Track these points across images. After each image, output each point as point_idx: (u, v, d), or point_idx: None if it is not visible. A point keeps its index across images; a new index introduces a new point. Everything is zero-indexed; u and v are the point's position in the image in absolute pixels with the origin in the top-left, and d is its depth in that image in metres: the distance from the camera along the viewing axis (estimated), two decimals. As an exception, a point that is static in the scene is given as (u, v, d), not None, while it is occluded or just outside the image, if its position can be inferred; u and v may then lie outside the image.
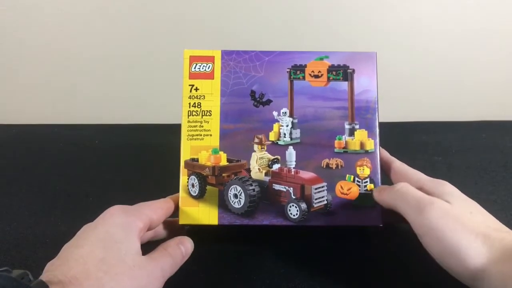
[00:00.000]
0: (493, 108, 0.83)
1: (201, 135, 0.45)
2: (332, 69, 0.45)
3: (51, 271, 0.31)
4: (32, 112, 0.84)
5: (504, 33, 0.79)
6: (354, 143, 0.44)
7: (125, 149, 0.69)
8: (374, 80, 0.45)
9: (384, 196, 0.40)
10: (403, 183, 0.39)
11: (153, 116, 0.82)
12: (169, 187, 0.45)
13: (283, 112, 0.45)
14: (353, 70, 0.45)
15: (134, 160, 0.66)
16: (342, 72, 0.45)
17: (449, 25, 0.79)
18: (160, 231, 0.43)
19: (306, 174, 0.43)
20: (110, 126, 0.78)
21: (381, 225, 0.42)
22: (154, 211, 0.39)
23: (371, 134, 0.44)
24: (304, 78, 0.45)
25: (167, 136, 0.72)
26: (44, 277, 0.31)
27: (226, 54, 0.46)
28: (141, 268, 0.34)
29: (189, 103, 0.45)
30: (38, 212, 0.52)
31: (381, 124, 0.45)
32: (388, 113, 0.60)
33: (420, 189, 0.39)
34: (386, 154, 0.45)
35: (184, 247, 0.39)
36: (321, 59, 0.46)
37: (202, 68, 0.46)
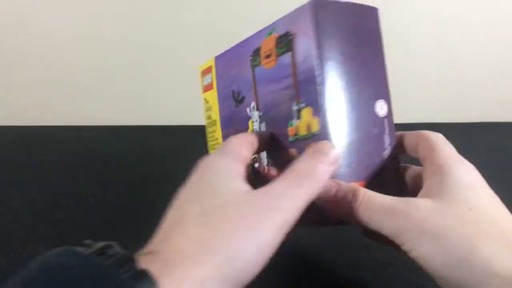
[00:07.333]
0: (494, 110, 0.84)
1: (215, 144, 0.48)
2: (278, 41, 0.37)
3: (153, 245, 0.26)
4: (32, 113, 0.86)
5: (506, 34, 0.80)
6: (302, 127, 0.35)
7: (126, 151, 0.70)
8: (312, 40, 0.33)
9: (340, 209, 0.31)
10: (362, 189, 0.30)
11: (154, 118, 0.82)
12: (171, 190, 0.44)
13: (252, 107, 0.41)
14: (294, 35, 0.36)
15: (136, 161, 0.66)
16: (286, 42, 0.37)
17: (450, 25, 0.79)
18: None
19: (274, 171, 0.39)
20: (112, 128, 0.79)
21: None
22: (247, 149, 0.33)
23: (316, 111, 0.33)
24: (260, 62, 0.40)
25: (169, 138, 0.72)
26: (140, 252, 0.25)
27: (218, 59, 0.46)
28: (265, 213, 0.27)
29: (206, 116, 0.49)
30: (38, 213, 0.52)
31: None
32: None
33: (444, 165, 0.30)
34: None
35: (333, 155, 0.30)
36: (270, 34, 0.39)
37: (207, 81, 0.48)
